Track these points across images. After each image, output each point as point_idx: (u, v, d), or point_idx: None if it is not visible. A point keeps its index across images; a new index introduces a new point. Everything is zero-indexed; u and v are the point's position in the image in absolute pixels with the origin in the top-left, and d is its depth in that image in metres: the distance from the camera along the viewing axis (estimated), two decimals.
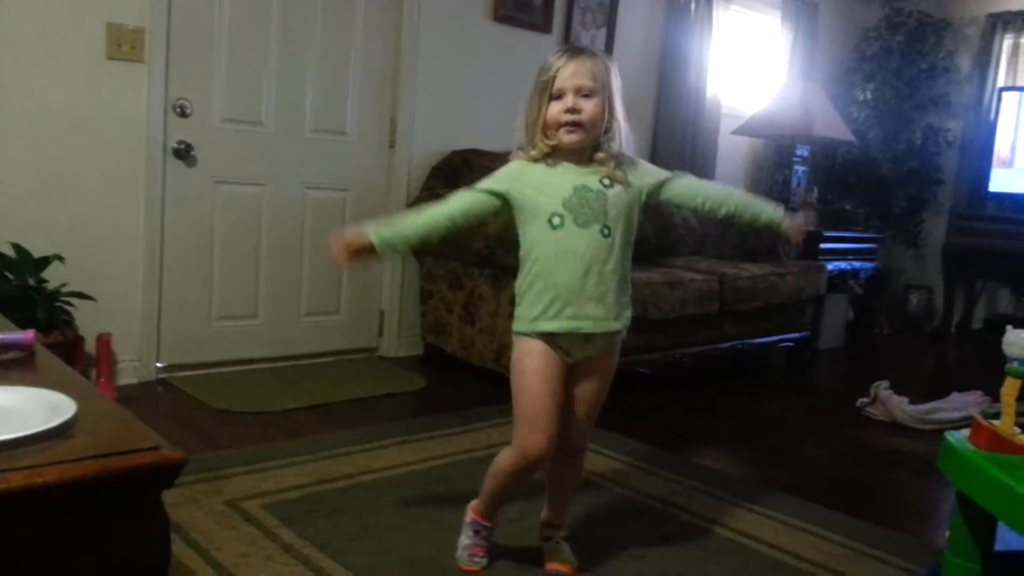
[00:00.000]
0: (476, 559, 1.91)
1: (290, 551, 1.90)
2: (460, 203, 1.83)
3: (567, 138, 1.75)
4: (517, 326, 1.82)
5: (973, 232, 5.29)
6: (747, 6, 5.31)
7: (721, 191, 1.89)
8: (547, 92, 1.76)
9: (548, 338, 1.77)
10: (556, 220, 1.75)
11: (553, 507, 1.97)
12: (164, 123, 3.11)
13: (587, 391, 1.85)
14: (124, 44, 2.97)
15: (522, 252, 1.83)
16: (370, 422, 2.89)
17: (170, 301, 3.22)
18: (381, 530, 2.05)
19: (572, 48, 1.81)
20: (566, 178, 1.77)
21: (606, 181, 1.77)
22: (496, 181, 1.82)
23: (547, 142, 1.77)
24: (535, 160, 1.79)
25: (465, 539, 1.93)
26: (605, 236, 1.76)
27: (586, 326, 1.77)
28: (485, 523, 1.93)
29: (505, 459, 1.83)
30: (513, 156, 1.85)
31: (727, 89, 5.21)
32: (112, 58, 2.96)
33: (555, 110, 1.75)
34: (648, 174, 1.86)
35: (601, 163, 1.78)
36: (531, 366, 1.77)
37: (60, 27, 2.85)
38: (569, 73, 1.74)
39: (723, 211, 1.87)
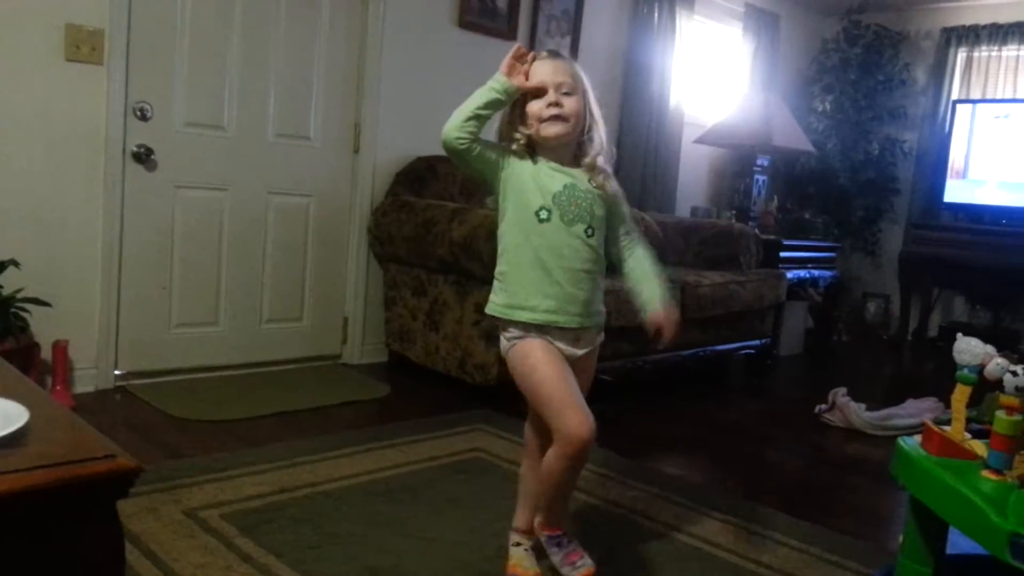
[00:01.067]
0: (579, 564, 1.87)
1: (249, 561, 1.88)
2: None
3: (551, 130, 1.77)
4: (492, 311, 1.83)
5: (929, 241, 5.41)
6: (709, 16, 5.39)
7: (640, 273, 1.90)
8: (533, 85, 1.78)
9: (539, 331, 1.78)
10: (543, 214, 1.77)
11: (530, 511, 1.94)
12: (124, 126, 3.06)
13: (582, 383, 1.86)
14: (83, 46, 2.93)
15: (504, 239, 1.84)
16: (333, 430, 2.87)
17: (129, 307, 3.17)
18: (343, 539, 2.03)
19: (547, 51, 1.86)
20: (556, 175, 1.79)
21: (594, 183, 1.81)
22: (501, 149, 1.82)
23: (524, 131, 1.79)
24: (520, 157, 1.81)
25: (556, 556, 1.88)
26: (589, 236, 1.79)
27: (562, 320, 1.79)
28: (559, 532, 1.89)
29: (554, 458, 1.78)
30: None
31: (690, 98, 5.27)
32: (71, 60, 2.92)
33: (537, 106, 1.78)
34: (621, 206, 1.88)
35: (589, 168, 1.81)
36: (538, 359, 1.78)
37: (17, 28, 2.80)
38: (549, 70, 1.79)
39: (626, 284, 1.91)
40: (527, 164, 1.81)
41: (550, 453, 1.80)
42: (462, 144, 1.76)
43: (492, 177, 1.82)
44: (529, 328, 1.79)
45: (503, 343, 1.85)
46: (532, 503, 1.94)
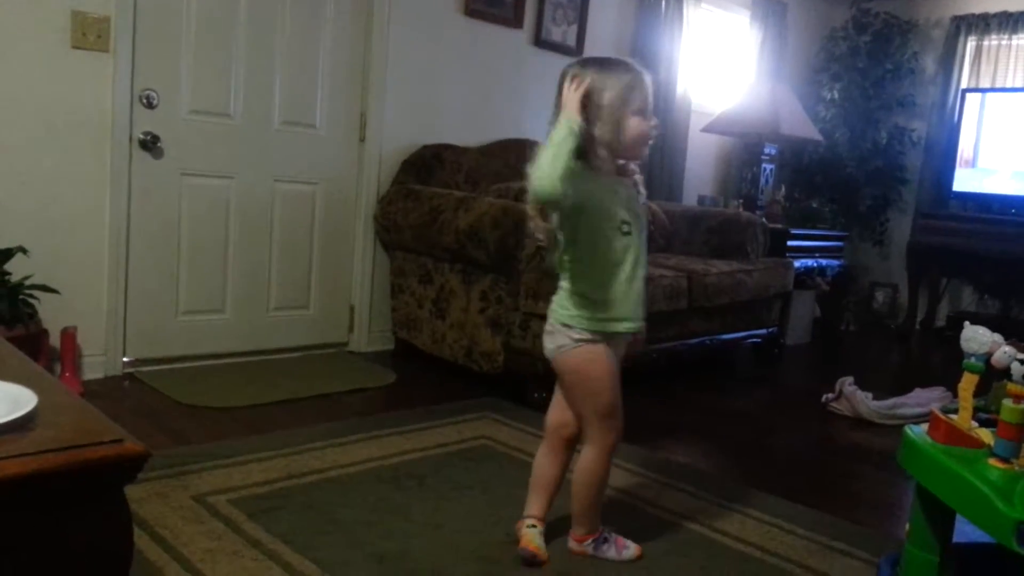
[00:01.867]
0: (628, 546, 2.00)
1: (258, 546, 1.89)
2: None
3: (644, 152, 1.85)
4: (582, 325, 1.84)
5: (937, 231, 5.38)
6: (717, 5, 5.36)
7: None
8: (636, 108, 1.78)
9: (608, 338, 1.85)
10: (625, 227, 1.83)
11: (546, 500, 2.00)
12: (130, 114, 3.07)
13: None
14: (89, 33, 2.93)
15: (580, 254, 1.84)
16: (340, 417, 2.88)
17: (136, 295, 3.19)
18: (350, 525, 2.04)
19: (633, 62, 1.84)
20: (619, 189, 1.85)
21: (638, 191, 1.87)
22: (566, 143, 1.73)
23: (610, 150, 1.81)
24: (588, 177, 1.79)
25: (610, 551, 1.98)
26: (646, 241, 1.90)
27: (639, 326, 1.90)
28: (602, 533, 1.99)
29: (599, 462, 1.91)
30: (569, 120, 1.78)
31: (697, 87, 5.25)
32: (77, 47, 2.92)
33: (644, 126, 1.80)
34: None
35: (632, 174, 1.88)
36: (606, 367, 1.86)
37: (23, 15, 2.80)
38: (651, 89, 1.81)
39: None
40: (597, 182, 1.81)
41: (594, 456, 1.90)
42: (562, 195, 1.70)
43: (567, 204, 1.76)
44: (605, 335, 1.85)
45: (564, 340, 1.86)
46: (549, 492, 2.00)
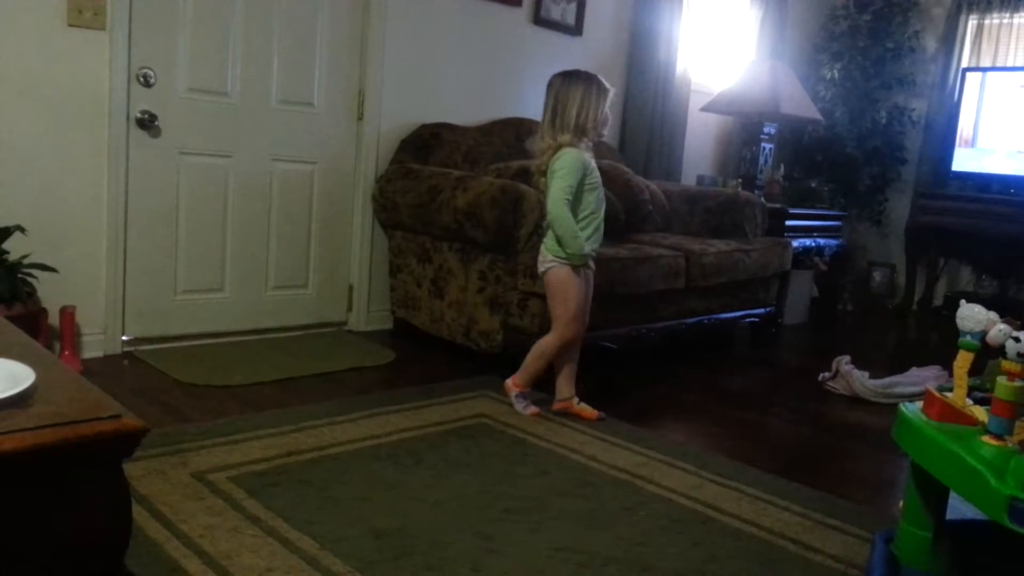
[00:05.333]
0: (532, 410, 2.84)
1: (257, 522, 1.90)
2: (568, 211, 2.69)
3: (605, 132, 2.85)
4: (558, 253, 2.72)
5: (936, 211, 5.38)
6: None
7: None
8: (605, 100, 2.70)
9: (580, 260, 2.73)
10: (597, 187, 2.75)
11: (571, 381, 2.88)
12: (127, 92, 3.05)
13: (589, 295, 2.86)
14: (85, 11, 2.91)
15: (579, 209, 2.72)
16: (338, 395, 2.89)
17: (135, 274, 3.19)
18: (348, 502, 2.06)
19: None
20: (590, 158, 2.74)
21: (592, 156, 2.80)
22: (576, 173, 2.65)
23: (598, 132, 2.75)
24: (582, 153, 2.69)
25: (519, 405, 2.84)
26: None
27: (597, 251, 2.84)
28: (529, 390, 2.87)
29: (549, 344, 2.79)
30: (565, 145, 2.67)
31: (696, 66, 5.22)
32: (73, 25, 2.90)
33: (605, 114, 2.73)
34: None
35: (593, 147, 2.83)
36: (574, 282, 2.74)
37: None
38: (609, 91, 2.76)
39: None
40: (585, 154, 2.71)
41: (548, 339, 2.80)
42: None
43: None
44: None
45: (550, 264, 2.75)
46: (569, 374, 2.89)
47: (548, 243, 2.76)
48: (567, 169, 2.63)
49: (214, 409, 2.65)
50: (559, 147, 2.66)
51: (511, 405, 2.85)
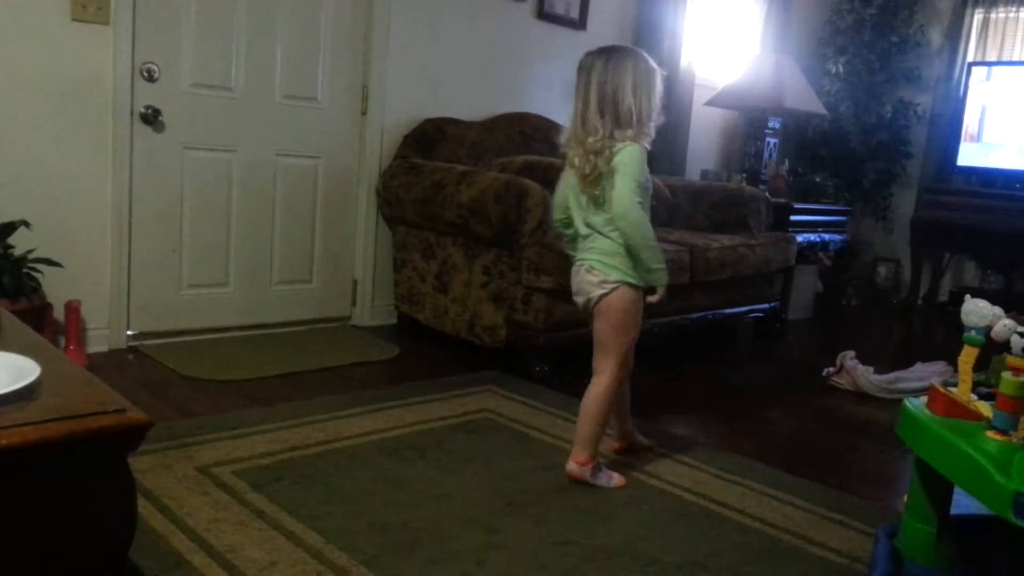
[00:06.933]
0: (613, 476, 2.28)
1: (262, 516, 1.91)
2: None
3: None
4: (630, 279, 2.21)
5: (941, 206, 5.36)
6: None
7: None
8: (658, 81, 2.21)
9: (662, 280, 2.24)
10: (649, 193, 2.23)
11: (627, 421, 2.49)
12: (131, 87, 3.06)
13: None
14: (89, 5, 2.91)
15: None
16: (342, 390, 2.89)
17: (139, 268, 3.19)
18: (352, 496, 2.06)
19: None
20: None
21: None
22: (645, 171, 2.16)
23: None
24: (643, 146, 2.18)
25: (603, 481, 2.26)
26: None
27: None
28: (599, 461, 2.29)
29: (607, 393, 2.25)
30: (634, 142, 2.14)
31: (701, 60, 5.21)
32: (77, 19, 2.90)
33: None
34: None
35: None
36: (640, 307, 2.26)
37: None
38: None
39: None
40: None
41: (600, 392, 2.24)
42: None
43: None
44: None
45: (630, 292, 2.23)
46: (624, 416, 2.48)
47: (605, 259, 2.20)
48: (636, 165, 2.11)
49: (219, 403, 2.66)
50: (615, 144, 2.13)
51: (592, 484, 2.24)
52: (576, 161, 2.18)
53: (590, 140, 2.13)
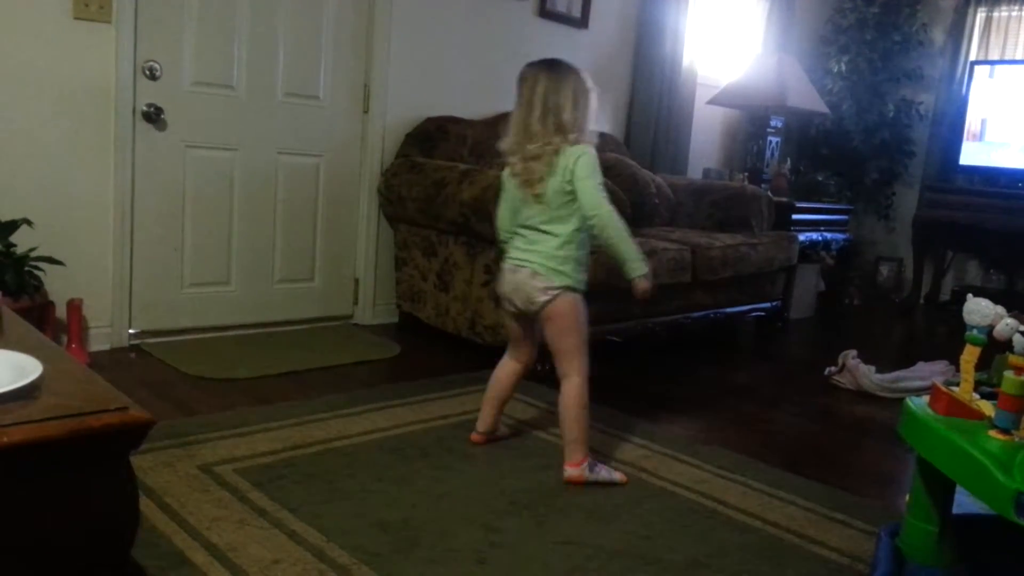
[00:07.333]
0: (620, 475, 2.29)
1: (263, 515, 1.91)
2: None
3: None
4: (580, 285, 2.25)
5: (943, 205, 5.36)
6: None
7: None
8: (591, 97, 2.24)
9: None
10: None
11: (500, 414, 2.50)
12: (133, 85, 3.06)
13: None
14: (91, 4, 2.91)
15: (584, 226, 2.23)
16: (344, 389, 2.89)
17: (141, 267, 3.20)
18: (354, 494, 2.06)
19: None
20: None
21: None
22: (600, 170, 2.19)
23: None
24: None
25: (604, 475, 2.27)
26: None
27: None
28: (591, 457, 2.29)
29: (581, 393, 2.26)
30: (585, 143, 2.19)
31: (703, 59, 5.21)
32: (79, 18, 2.90)
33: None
34: None
35: None
36: (584, 309, 2.27)
37: None
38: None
39: None
40: None
41: (575, 392, 2.25)
42: None
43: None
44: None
45: (573, 296, 2.24)
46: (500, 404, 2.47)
47: (549, 263, 2.21)
48: (594, 164, 2.17)
49: (220, 402, 2.66)
50: (560, 148, 2.17)
51: (593, 482, 2.25)
52: (518, 167, 2.22)
53: (531, 146, 2.18)
